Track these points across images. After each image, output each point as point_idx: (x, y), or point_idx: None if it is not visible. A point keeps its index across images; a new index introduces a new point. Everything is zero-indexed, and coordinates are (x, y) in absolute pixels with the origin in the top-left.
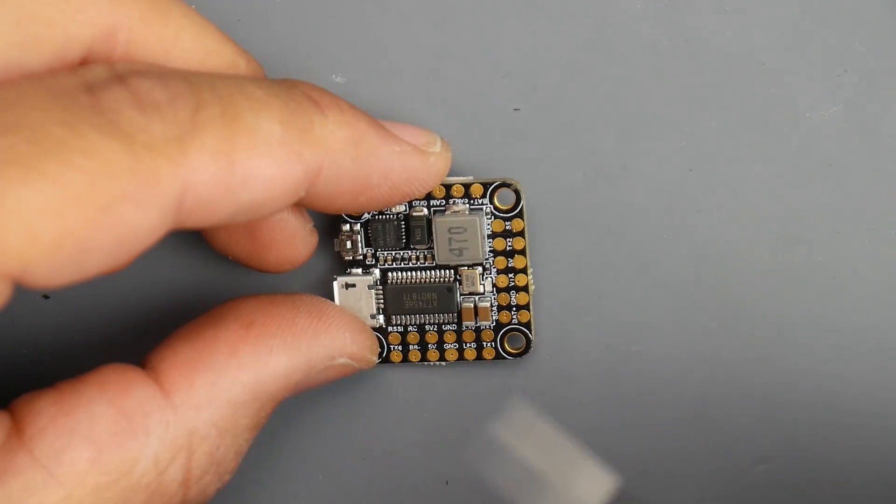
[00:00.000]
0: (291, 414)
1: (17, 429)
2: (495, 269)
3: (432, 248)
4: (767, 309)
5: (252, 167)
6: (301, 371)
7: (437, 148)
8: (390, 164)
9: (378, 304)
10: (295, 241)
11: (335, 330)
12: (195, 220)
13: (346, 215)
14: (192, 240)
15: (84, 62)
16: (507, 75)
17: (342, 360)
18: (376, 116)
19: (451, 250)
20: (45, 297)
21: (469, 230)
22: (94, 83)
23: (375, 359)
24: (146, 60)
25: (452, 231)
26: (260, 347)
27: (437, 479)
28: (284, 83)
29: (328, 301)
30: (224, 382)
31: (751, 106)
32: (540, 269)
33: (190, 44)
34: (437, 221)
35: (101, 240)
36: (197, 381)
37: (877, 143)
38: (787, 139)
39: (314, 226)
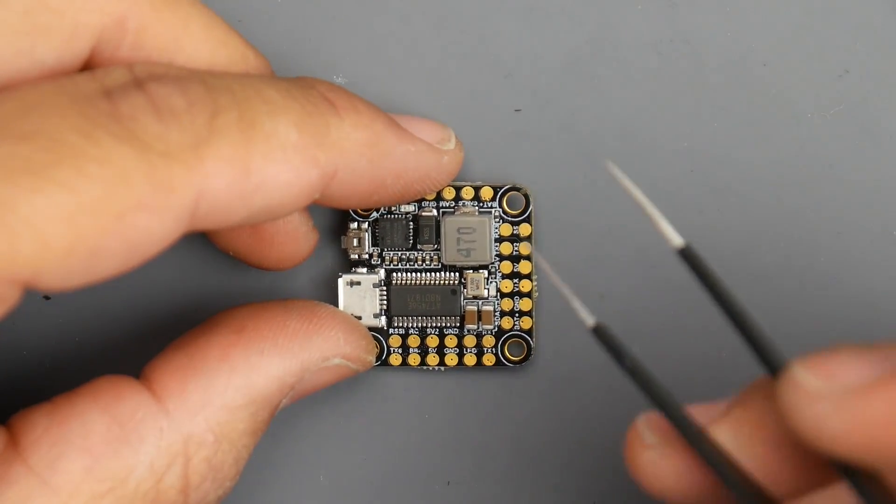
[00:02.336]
0: (293, 415)
1: (13, 440)
2: (500, 274)
3: (439, 249)
4: (769, 310)
5: (267, 173)
6: (294, 373)
7: (452, 144)
8: (404, 164)
9: (381, 303)
10: (296, 239)
11: (327, 331)
12: (209, 223)
13: (355, 213)
14: (195, 241)
15: (94, 51)
16: (507, 76)
17: (337, 361)
18: None
19: (458, 250)
20: (46, 297)
21: (478, 230)
22: (112, 88)
23: (372, 359)
24: (159, 51)
25: (461, 231)
26: (251, 351)
27: (438, 480)
28: (301, 83)
29: (321, 303)
30: (217, 387)
31: (752, 107)
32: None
33: (199, 34)
34: (447, 221)
35: (113, 246)
36: (189, 387)
37: (878, 144)
38: (789, 140)
39: (314, 224)
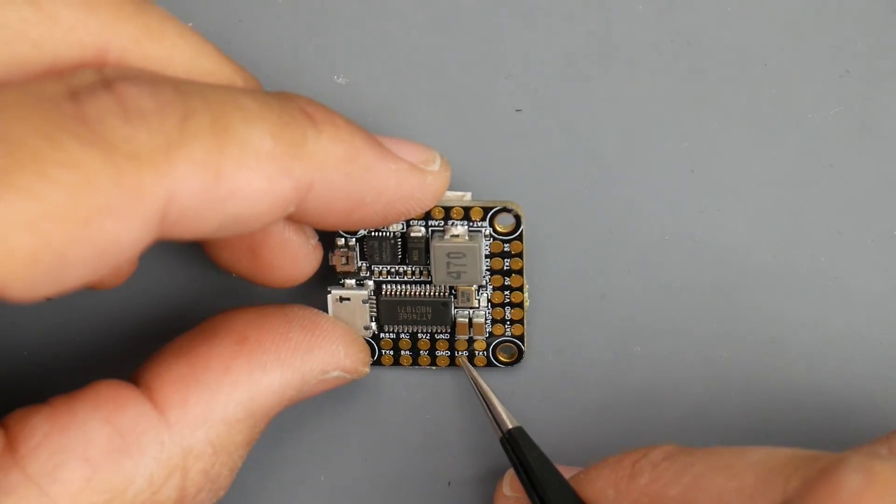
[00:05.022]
0: (293, 415)
1: (11, 446)
2: (491, 287)
3: (429, 267)
4: (769, 310)
5: (240, 180)
6: (294, 387)
7: (436, 166)
8: (385, 182)
9: (371, 316)
10: (298, 260)
11: (329, 344)
12: (180, 231)
13: (342, 231)
14: (192, 247)
15: None
16: (508, 76)
17: (335, 374)
18: (377, 117)
19: (449, 273)
20: (47, 298)
21: (468, 256)
22: (79, 89)
23: (368, 369)
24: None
25: (451, 256)
26: (254, 364)
27: (438, 480)
28: (280, 96)
29: (321, 313)
30: (218, 400)
31: (753, 107)
32: (541, 269)
33: (184, 65)
34: (436, 246)
35: (80, 253)
36: (191, 400)
37: (878, 144)
38: (789, 140)
39: (318, 241)
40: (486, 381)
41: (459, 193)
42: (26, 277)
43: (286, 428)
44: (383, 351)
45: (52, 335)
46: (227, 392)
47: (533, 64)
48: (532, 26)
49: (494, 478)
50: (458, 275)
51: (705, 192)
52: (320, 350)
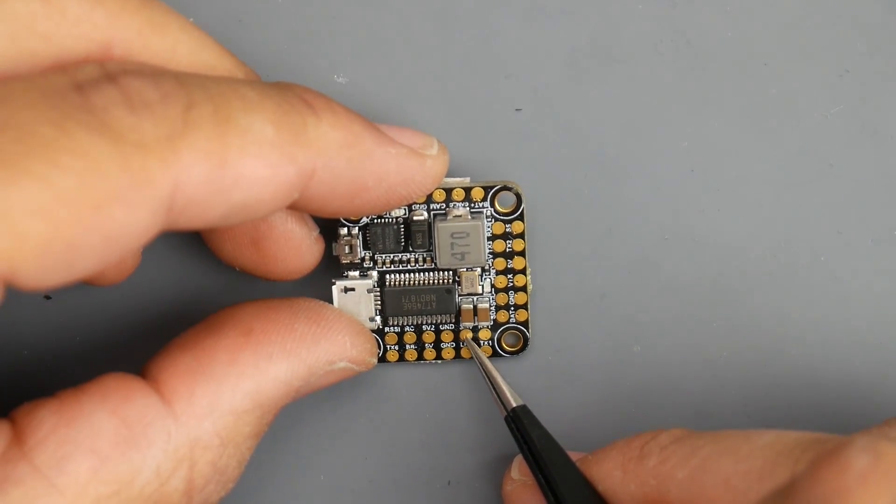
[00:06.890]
0: (293, 415)
1: (18, 438)
2: (494, 271)
3: (432, 252)
4: (769, 309)
5: (244, 167)
6: (301, 377)
7: (434, 150)
8: (385, 166)
9: (376, 307)
10: (300, 252)
11: (334, 335)
12: (187, 220)
13: (344, 219)
14: (194, 239)
15: None
16: (508, 76)
17: (342, 365)
18: (378, 116)
19: (453, 255)
20: (47, 297)
21: (472, 235)
22: (84, 82)
23: (375, 360)
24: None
25: (455, 236)
26: (260, 355)
27: (438, 480)
28: (278, 85)
29: (326, 304)
30: (225, 391)
31: (753, 106)
32: (542, 268)
33: (187, 59)
34: (440, 227)
35: (90, 240)
36: (198, 391)
37: (878, 144)
38: (789, 139)
39: (320, 233)
40: None
41: (458, 179)
42: (38, 264)
43: (287, 426)
44: (388, 346)
45: (54, 333)
46: (233, 383)
47: (533, 63)
48: (532, 25)
49: (495, 477)
50: (463, 256)
51: (705, 191)
52: (326, 341)
